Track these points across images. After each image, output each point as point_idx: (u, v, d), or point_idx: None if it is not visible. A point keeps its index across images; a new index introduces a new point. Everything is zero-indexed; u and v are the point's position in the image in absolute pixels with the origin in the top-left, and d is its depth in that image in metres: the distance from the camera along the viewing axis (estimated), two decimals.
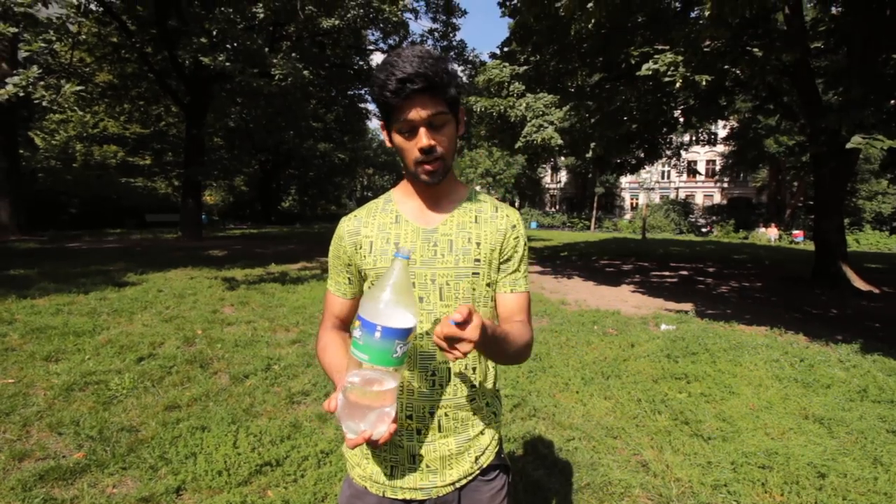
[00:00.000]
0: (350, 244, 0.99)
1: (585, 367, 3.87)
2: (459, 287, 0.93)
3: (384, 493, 0.94)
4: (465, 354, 0.71)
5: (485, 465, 0.98)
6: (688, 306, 6.71)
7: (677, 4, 9.45)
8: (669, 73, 5.12)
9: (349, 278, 1.02)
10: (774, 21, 9.30)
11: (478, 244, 0.95)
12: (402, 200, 1.01)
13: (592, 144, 7.75)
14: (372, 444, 0.78)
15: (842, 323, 6.12)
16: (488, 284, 0.96)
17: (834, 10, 10.47)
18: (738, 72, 7.31)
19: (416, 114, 0.84)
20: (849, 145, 4.32)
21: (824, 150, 5.84)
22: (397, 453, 0.94)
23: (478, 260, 0.94)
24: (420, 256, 0.94)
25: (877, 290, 8.49)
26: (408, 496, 0.93)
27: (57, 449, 2.46)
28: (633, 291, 8.01)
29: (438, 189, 0.97)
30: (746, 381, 3.73)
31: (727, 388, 3.54)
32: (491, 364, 1.01)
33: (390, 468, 0.94)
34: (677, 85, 5.16)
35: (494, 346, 0.83)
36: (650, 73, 5.37)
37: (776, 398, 3.41)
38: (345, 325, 1.06)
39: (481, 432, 0.98)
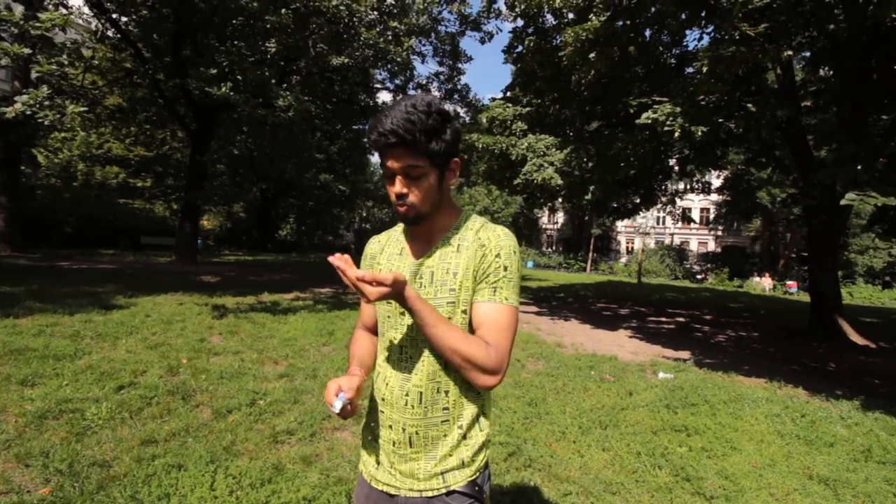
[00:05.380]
0: (369, 265, 1.19)
1: (583, 415, 3.75)
2: None
3: (370, 482, 1.10)
4: (372, 299, 0.89)
5: (452, 486, 1.02)
6: (685, 354, 6.61)
7: (672, 61, 9.87)
8: (668, 122, 5.27)
9: None
10: (765, 80, 9.69)
11: (455, 274, 1.02)
12: (407, 231, 1.15)
13: (592, 188, 7.87)
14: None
15: (840, 377, 6.03)
16: (464, 312, 1.01)
17: (822, 72, 10.95)
18: (731, 125, 7.60)
19: (392, 163, 0.97)
20: (843, 202, 4.39)
21: (815, 203, 5.94)
22: (380, 455, 1.09)
23: (453, 289, 1.01)
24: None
25: (873, 345, 8.44)
26: (383, 489, 1.06)
27: (22, 482, 2.31)
28: (631, 336, 7.92)
29: (429, 223, 1.06)
30: (748, 436, 3.61)
31: (728, 442, 3.42)
32: (469, 394, 1.04)
33: (376, 463, 1.10)
34: (676, 134, 5.30)
35: (417, 320, 0.95)
36: (649, 121, 5.52)
37: (779, 455, 3.30)
38: (371, 327, 1.24)
39: (449, 454, 1.02)
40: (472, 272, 1.01)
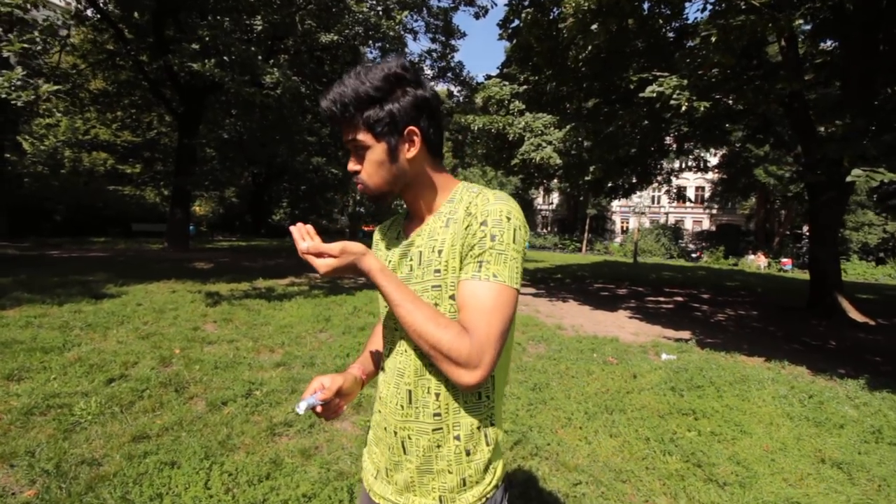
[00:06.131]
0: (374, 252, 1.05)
1: (588, 400, 3.66)
2: None
3: (369, 492, 0.99)
4: (321, 273, 0.82)
5: None
6: (686, 334, 6.56)
7: (671, 34, 9.59)
8: (675, 96, 5.08)
9: None
10: (765, 54, 9.45)
11: (439, 252, 0.88)
12: (406, 213, 1.04)
13: (592, 168, 7.68)
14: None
15: (842, 355, 6.00)
16: (452, 297, 0.86)
17: (823, 46, 10.71)
18: (729, 101, 7.46)
19: (344, 136, 0.90)
20: (849, 178, 4.25)
21: (823, 179, 5.81)
22: (379, 460, 0.98)
23: (438, 270, 0.87)
24: (400, 274, 0.93)
25: (872, 322, 8.43)
26: (380, 501, 0.96)
27: (6, 484, 2.19)
28: (630, 317, 7.86)
29: (416, 201, 0.95)
30: (756, 418, 3.55)
31: (738, 426, 3.35)
32: (464, 398, 0.88)
33: (375, 471, 0.99)
34: (682, 108, 5.12)
35: (385, 299, 0.85)
36: (654, 95, 5.33)
37: (789, 438, 3.23)
38: None
39: (447, 470, 0.88)
40: (458, 248, 0.86)
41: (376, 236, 1.10)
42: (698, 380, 4.27)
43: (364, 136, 0.87)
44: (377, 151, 0.88)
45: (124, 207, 22.31)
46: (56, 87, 6.12)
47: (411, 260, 0.92)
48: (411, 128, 0.88)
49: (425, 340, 0.80)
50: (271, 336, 4.89)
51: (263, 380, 3.63)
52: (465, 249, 0.84)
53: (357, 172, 0.91)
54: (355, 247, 0.83)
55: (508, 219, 0.83)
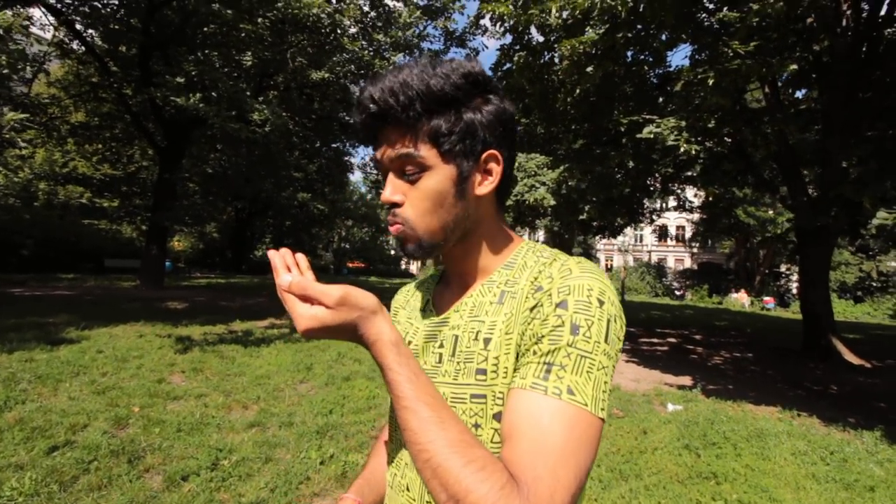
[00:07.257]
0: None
1: (600, 464, 3.30)
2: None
3: None
4: (301, 330, 0.51)
5: None
6: (687, 380, 6.29)
7: (654, 80, 9.85)
8: (673, 137, 5.05)
9: None
10: (744, 101, 9.75)
11: (486, 341, 0.58)
12: (442, 276, 0.75)
13: (587, 207, 7.61)
14: None
15: (847, 402, 5.79)
16: (498, 416, 0.56)
17: (799, 95, 11.14)
18: (708, 144, 7.54)
19: (380, 153, 0.61)
20: (876, 221, 4.18)
21: (831, 221, 5.77)
22: None
23: (482, 371, 0.57)
24: (424, 366, 0.63)
25: (868, 365, 8.30)
26: None
27: None
28: (627, 361, 7.57)
29: (471, 254, 0.65)
30: (782, 481, 3.23)
31: (765, 492, 3.03)
32: None
33: None
34: (681, 149, 5.08)
35: (389, 390, 0.53)
36: (652, 136, 5.30)
37: None
38: None
39: None
40: (514, 339, 0.56)
41: (395, 303, 0.80)
42: (712, 435, 3.96)
43: (427, 152, 0.58)
44: (440, 177, 0.59)
45: (99, 242, 21.60)
46: (22, 116, 5.79)
47: (441, 346, 0.62)
48: (492, 151, 0.60)
49: (441, 484, 0.47)
50: (245, 389, 4.43)
51: (233, 445, 3.18)
52: (526, 342, 0.54)
53: (397, 205, 0.60)
54: (363, 298, 0.53)
55: (601, 302, 0.53)
